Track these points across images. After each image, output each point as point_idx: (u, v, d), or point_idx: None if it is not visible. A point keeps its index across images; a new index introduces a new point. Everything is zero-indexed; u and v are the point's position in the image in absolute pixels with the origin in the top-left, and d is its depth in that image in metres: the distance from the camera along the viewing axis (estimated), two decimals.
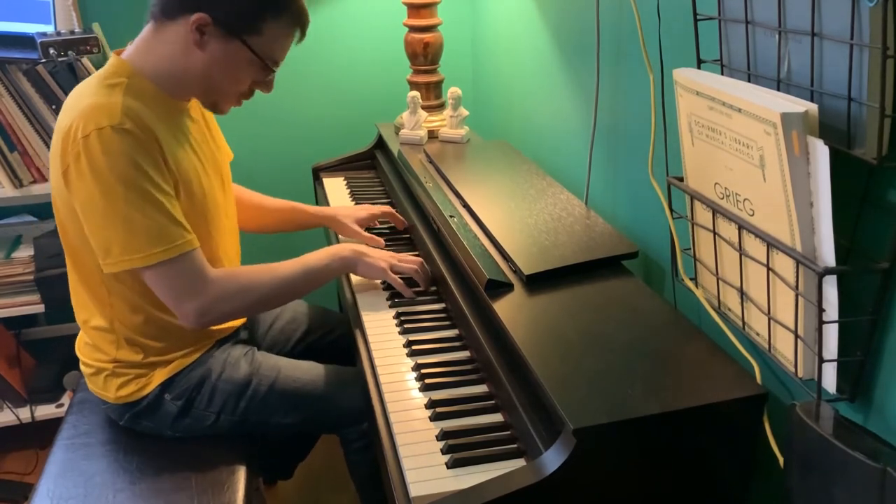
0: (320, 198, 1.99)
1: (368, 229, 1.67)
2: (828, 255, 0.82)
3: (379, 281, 1.47)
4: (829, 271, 0.81)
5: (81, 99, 1.20)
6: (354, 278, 1.50)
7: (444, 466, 0.99)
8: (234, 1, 1.21)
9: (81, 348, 1.42)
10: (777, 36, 0.87)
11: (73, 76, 1.86)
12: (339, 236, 1.68)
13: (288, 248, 1.80)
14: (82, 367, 1.42)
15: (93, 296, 1.33)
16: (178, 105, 1.32)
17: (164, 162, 1.22)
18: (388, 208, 1.71)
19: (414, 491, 0.95)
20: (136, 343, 1.34)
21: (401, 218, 1.70)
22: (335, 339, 1.68)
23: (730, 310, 1.05)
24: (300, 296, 1.41)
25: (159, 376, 1.36)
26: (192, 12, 1.20)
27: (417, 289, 1.45)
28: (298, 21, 1.29)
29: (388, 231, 1.72)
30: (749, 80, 0.94)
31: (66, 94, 1.88)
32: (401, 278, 1.43)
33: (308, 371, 1.44)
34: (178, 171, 1.26)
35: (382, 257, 1.43)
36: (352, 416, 1.40)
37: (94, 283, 1.30)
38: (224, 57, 1.24)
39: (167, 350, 1.36)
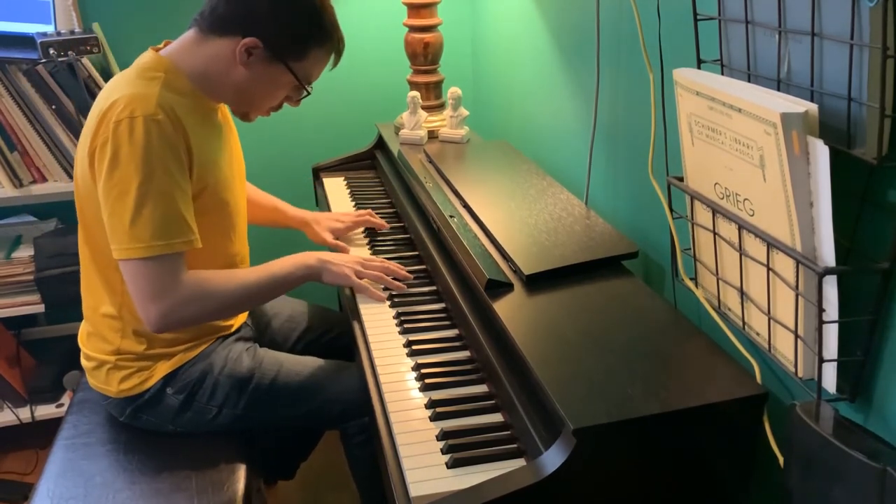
0: (320, 198, 1.99)
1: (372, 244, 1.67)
2: (828, 255, 0.82)
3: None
4: (829, 271, 0.81)
5: (119, 87, 1.22)
6: None
7: (444, 466, 0.99)
8: (286, 28, 1.27)
9: (84, 339, 1.42)
10: (777, 36, 0.87)
11: (73, 76, 1.86)
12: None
13: (288, 244, 1.81)
14: (83, 362, 1.42)
15: (105, 281, 1.33)
16: (212, 105, 1.35)
17: (190, 158, 1.24)
18: (365, 216, 1.70)
19: (414, 491, 0.95)
20: (141, 333, 1.34)
21: (379, 221, 1.70)
22: (334, 338, 1.68)
23: (730, 310, 1.05)
24: (263, 303, 1.45)
25: (162, 370, 1.36)
26: (244, 34, 1.24)
27: (416, 289, 1.44)
28: (337, 48, 1.37)
29: (388, 231, 1.73)
30: (749, 80, 0.94)
31: (67, 94, 1.89)
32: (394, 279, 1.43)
33: (310, 365, 1.45)
34: (206, 165, 1.28)
35: (347, 263, 1.42)
36: (353, 409, 1.41)
37: (110, 268, 1.30)
38: (265, 76, 1.30)
39: (171, 342, 1.37)
